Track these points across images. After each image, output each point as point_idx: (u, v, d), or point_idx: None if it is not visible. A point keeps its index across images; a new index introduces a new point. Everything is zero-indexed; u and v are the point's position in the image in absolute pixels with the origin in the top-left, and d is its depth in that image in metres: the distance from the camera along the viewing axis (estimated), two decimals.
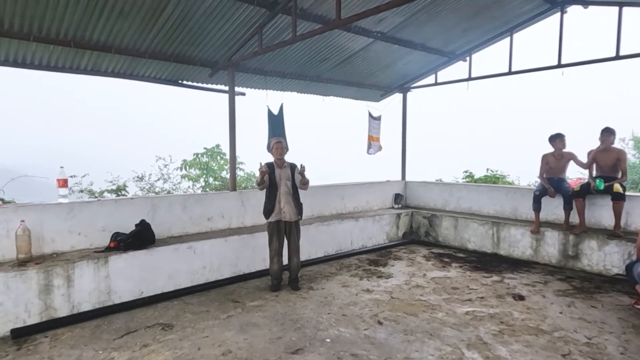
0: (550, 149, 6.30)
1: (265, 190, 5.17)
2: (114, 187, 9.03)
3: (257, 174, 5.19)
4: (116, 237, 4.88)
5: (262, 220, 5.35)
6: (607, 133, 5.74)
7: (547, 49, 6.89)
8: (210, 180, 10.92)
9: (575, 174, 6.51)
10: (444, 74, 8.60)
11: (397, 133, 9.41)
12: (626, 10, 5.96)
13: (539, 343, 3.70)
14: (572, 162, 6.21)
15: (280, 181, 5.11)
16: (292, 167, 5.27)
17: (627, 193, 5.69)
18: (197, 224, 5.87)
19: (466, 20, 6.77)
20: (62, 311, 4.23)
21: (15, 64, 5.48)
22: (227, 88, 6.74)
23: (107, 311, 4.43)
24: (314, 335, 3.88)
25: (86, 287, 4.37)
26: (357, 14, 4.57)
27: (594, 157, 5.90)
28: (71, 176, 8.22)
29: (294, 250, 5.25)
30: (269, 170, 5.06)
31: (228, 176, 8.43)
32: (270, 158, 5.28)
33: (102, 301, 4.49)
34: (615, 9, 6.03)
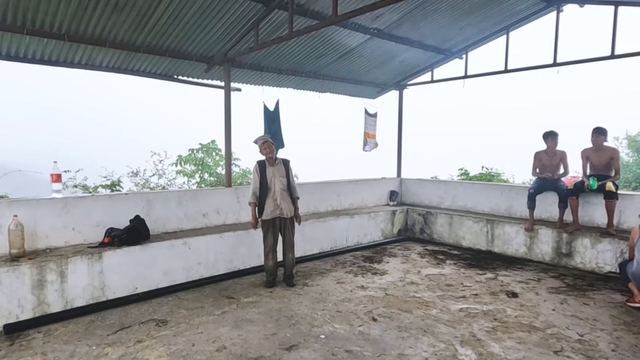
0: (543, 146, 6.35)
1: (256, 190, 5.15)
2: (109, 183, 8.99)
3: (252, 169, 5.21)
4: (110, 232, 4.85)
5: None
6: (597, 133, 5.79)
7: (543, 47, 6.91)
8: (206, 176, 10.89)
9: (570, 172, 6.55)
10: (440, 72, 8.61)
11: (393, 130, 9.42)
12: (622, 9, 5.98)
13: (532, 340, 3.73)
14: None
15: (274, 178, 5.08)
16: (285, 162, 5.25)
17: (620, 192, 5.74)
18: (192, 220, 5.86)
19: (463, 17, 6.77)
20: (56, 307, 4.21)
21: (8, 57, 5.42)
22: (222, 83, 6.71)
23: (101, 307, 4.42)
24: (308, 332, 3.89)
25: (80, 283, 4.35)
26: (354, 11, 4.57)
27: (587, 156, 5.94)
28: (65, 171, 8.17)
29: (289, 246, 5.25)
30: (260, 170, 5.07)
31: (223, 172, 8.40)
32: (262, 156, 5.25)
33: (96, 297, 4.48)
34: (611, 8, 6.05)
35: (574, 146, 6.22)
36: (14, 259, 4.20)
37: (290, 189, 5.21)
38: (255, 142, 5.22)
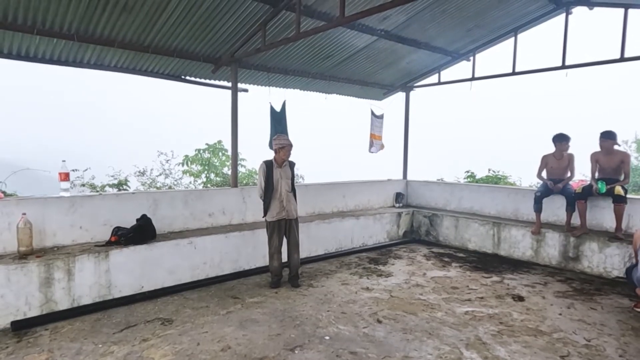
0: (550, 150, 6.28)
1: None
2: (116, 182, 9.05)
3: (257, 169, 5.21)
4: (117, 231, 4.88)
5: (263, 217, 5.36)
6: (605, 137, 5.71)
7: (552, 50, 6.86)
8: (212, 176, 10.93)
9: (577, 176, 6.51)
10: (447, 74, 8.59)
11: (400, 132, 9.40)
12: (632, 12, 5.93)
13: (538, 344, 3.70)
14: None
15: (281, 180, 5.08)
16: (291, 164, 5.26)
17: (628, 196, 5.68)
18: (198, 219, 5.88)
19: (470, 19, 6.75)
20: (63, 304, 4.25)
21: (18, 57, 5.49)
22: (229, 84, 6.74)
23: (107, 305, 4.45)
24: (313, 333, 3.89)
25: (86, 281, 4.39)
26: (361, 12, 4.57)
27: (597, 159, 5.88)
28: (73, 170, 8.24)
29: (294, 246, 5.25)
30: (266, 170, 5.05)
31: (229, 172, 8.43)
32: (268, 155, 5.24)
33: (102, 295, 4.51)
34: (621, 10, 6.00)
35: (581, 148, 6.17)
36: (22, 256, 4.24)
37: (293, 191, 5.22)
38: (277, 141, 5.11)
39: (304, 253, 6.01)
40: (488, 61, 8.29)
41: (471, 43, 7.74)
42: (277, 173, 5.09)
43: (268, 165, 5.10)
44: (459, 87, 8.53)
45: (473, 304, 4.69)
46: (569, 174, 6.18)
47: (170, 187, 10.23)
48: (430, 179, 9.36)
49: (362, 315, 4.33)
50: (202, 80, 7.07)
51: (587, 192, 5.81)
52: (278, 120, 7.49)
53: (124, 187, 9.06)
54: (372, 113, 9.16)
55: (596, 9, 6.33)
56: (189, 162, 10.72)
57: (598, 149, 5.85)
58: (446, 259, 6.65)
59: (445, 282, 5.48)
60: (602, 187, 5.59)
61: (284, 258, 5.30)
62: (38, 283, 4.09)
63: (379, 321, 4.17)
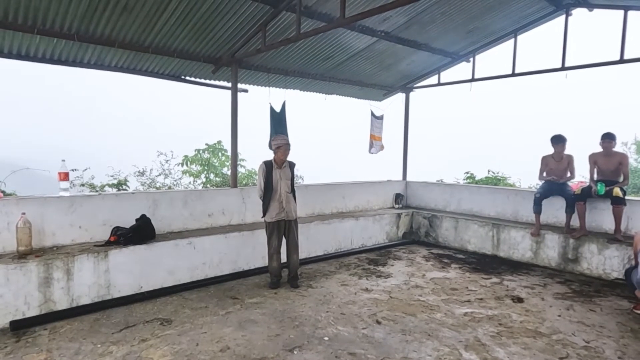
0: (550, 150, 6.29)
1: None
2: (115, 182, 9.05)
3: (257, 169, 5.21)
4: (116, 231, 4.88)
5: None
6: (608, 139, 5.73)
7: (552, 51, 6.87)
8: (212, 176, 10.93)
9: (577, 177, 6.51)
10: (447, 75, 8.60)
11: (399, 133, 9.41)
12: (631, 14, 5.94)
13: (537, 345, 3.70)
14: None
15: (280, 181, 5.08)
16: (291, 165, 5.25)
17: (627, 197, 5.68)
18: (197, 220, 5.88)
19: (470, 21, 6.75)
20: (62, 304, 4.24)
21: (19, 56, 5.49)
22: (229, 84, 6.74)
23: (106, 305, 4.44)
24: (312, 333, 3.89)
25: (86, 281, 4.38)
26: (362, 13, 4.58)
27: (595, 161, 5.88)
28: (72, 170, 8.24)
29: (293, 247, 5.25)
30: (266, 171, 5.04)
31: (229, 173, 8.43)
32: (268, 155, 5.24)
33: (102, 295, 4.50)
34: (621, 12, 6.01)
35: (580, 149, 6.18)
36: (22, 256, 4.23)
37: (293, 191, 5.22)
38: (274, 141, 5.11)
39: (303, 254, 6.01)
40: (488, 62, 8.30)
41: (471, 44, 7.75)
42: (277, 174, 5.09)
43: (268, 165, 5.10)
44: (458, 88, 8.53)
45: (472, 305, 4.69)
46: (568, 175, 6.19)
47: (169, 188, 10.23)
48: (429, 180, 9.36)
49: (362, 316, 4.33)
50: (202, 81, 7.07)
51: (586, 194, 5.81)
52: (278, 121, 7.49)
53: (124, 187, 9.05)
54: (372, 114, 9.16)
55: (596, 10, 6.34)
56: (189, 163, 10.71)
57: (596, 149, 5.86)
58: (445, 260, 6.65)
59: (444, 283, 5.48)
60: (601, 188, 5.59)
61: (283, 259, 5.29)
62: (37, 283, 4.09)
63: (378, 322, 4.17)
